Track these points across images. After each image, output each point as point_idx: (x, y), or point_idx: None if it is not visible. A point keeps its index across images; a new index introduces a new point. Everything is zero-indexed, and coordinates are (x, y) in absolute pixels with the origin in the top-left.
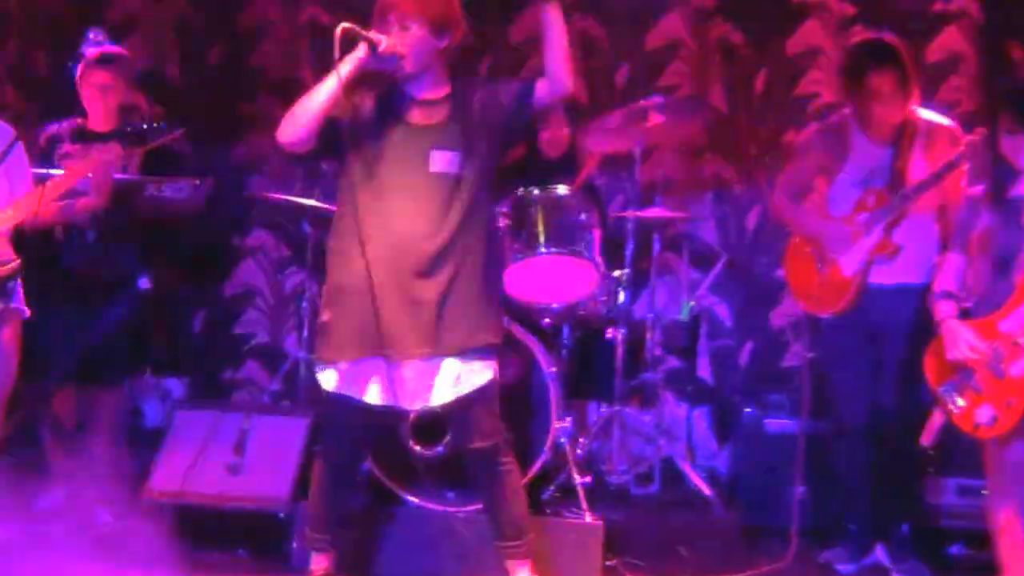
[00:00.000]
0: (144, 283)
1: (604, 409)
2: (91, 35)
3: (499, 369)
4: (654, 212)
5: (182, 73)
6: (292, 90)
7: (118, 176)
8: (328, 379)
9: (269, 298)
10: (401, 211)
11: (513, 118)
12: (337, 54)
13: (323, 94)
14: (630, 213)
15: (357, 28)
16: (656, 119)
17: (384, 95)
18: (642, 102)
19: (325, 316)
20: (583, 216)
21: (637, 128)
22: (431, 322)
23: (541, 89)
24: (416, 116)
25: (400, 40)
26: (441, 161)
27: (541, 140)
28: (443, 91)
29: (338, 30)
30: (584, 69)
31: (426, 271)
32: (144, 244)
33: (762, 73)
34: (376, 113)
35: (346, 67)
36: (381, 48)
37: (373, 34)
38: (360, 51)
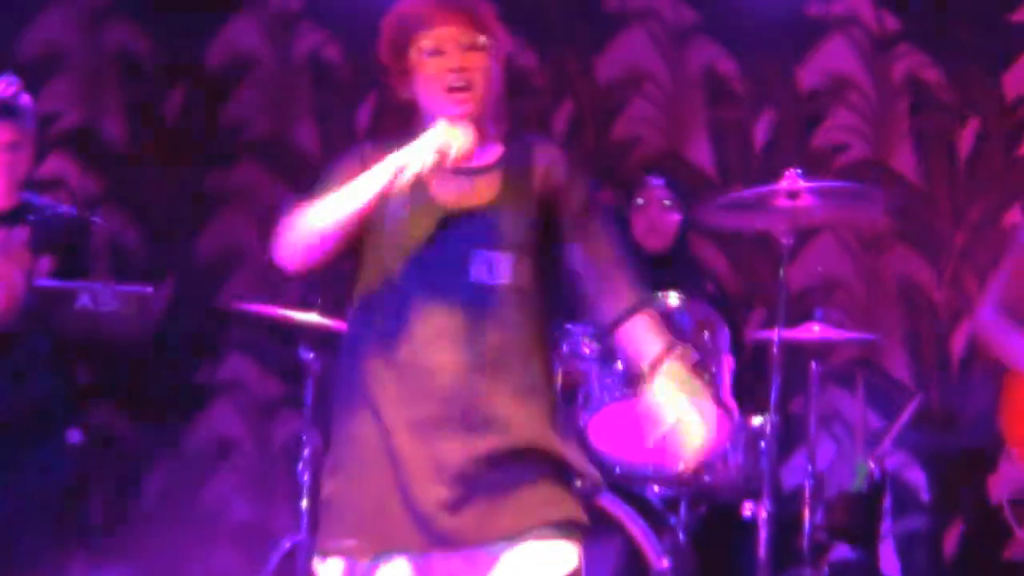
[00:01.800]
0: (74, 435)
1: None
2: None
3: (584, 561)
4: (812, 331)
5: (127, 131)
6: (282, 155)
7: (33, 284)
8: None
9: (250, 454)
10: (431, 337)
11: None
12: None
13: (364, 196)
14: (776, 333)
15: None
16: (814, 195)
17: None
18: (792, 170)
19: (328, 488)
20: (705, 338)
21: (785, 208)
22: (479, 496)
23: (575, 260)
24: (450, 192)
25: (464, 63)
26: (488, 265)
27: (636, 228)
28: (493, 153)
29: (438, 124)
30: (709, 119)
31: (470, 424)
32: (73, 379)
33: (970, 126)
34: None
35: (418, 161)
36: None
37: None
38: (455, 141)
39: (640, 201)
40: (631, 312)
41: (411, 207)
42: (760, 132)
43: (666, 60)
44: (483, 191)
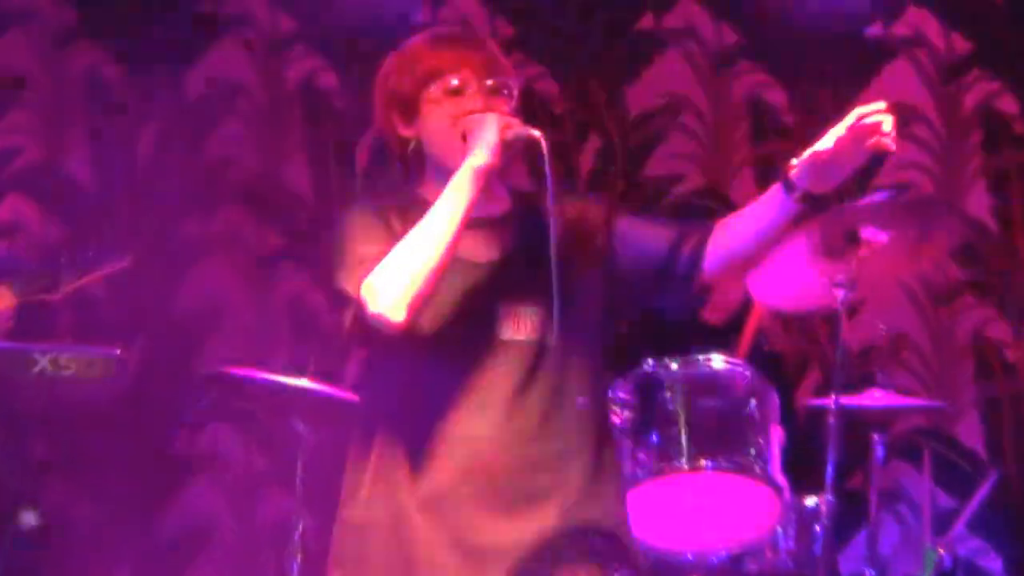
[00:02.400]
0: (30, 518)
1: None
2: None
3: None
4: (873, 398)
5: (95, 169)
6: (270, 197)
7: None
8: None
9: (233, 538)
10: (458, 405)
11: (650, 280)
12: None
13: (456, 215)
14: (832, 399)
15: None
16: (874, 239)
17: (404, 209)
18: (848, 210)
19: None
20: (752, 405)
21: (841, 256)
22: None
23: (714, 261)
24: (467, 244)
25: (488, 107)
26: (518, 321)
27: None
28: (503, 203)
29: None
30: (756, 156)
31: (501, 505)
32: (28, 453)
33: None
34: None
35: (489, 154)
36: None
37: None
38: (514, 126)
39: None
40: (703, 244)
41: None
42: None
43: (706, 88)
44: (499, 243)
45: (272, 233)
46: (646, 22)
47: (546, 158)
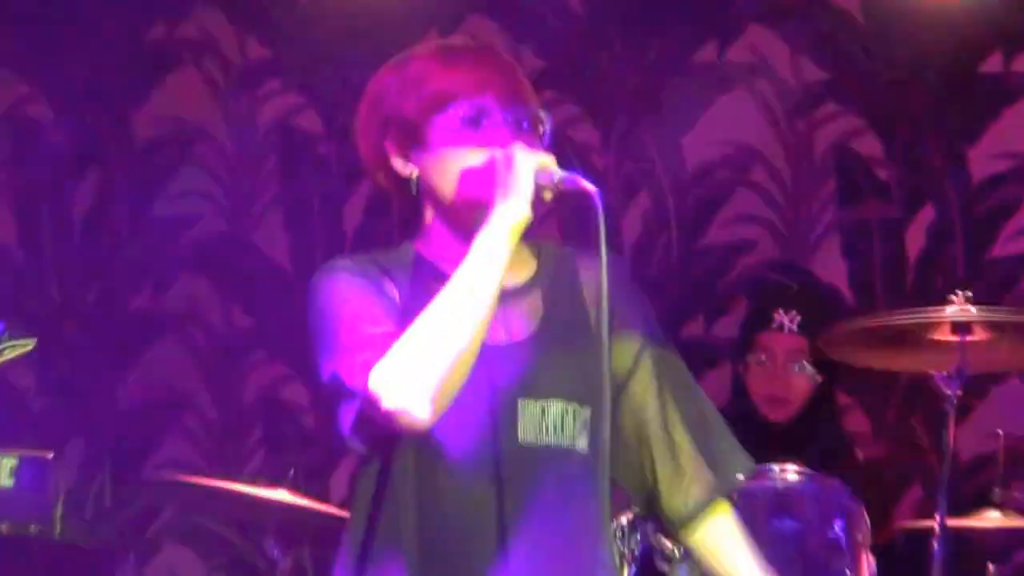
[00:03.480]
0: None
1: None
2: None
3: None
4: (988, 520)
5: (19, 232)
6: (238, 264)
7: None
8: None
9: None
10: (468, 518)
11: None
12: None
13: (490, 282)
14: (937, 521)
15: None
16: (991, 328)
17: (400, 271)
18: (961, 293)
19: None
20: (836, 529)
21: (951, 345)
22: None
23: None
24: (506, 319)
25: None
26: (541, 420)
27: (754, 395)
28: (527, 269)
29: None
30: (843, 219)
31: None
32: None
33: None
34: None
35: (523, 205)
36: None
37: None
38: (547, 163)
39: (761, 357)
40: (705, 505)
41: None
42: (915, 237)
43: (781, 136)
44: (521, 320)
45: (239, 311)
46: (707, 54)
47: (600, 218)
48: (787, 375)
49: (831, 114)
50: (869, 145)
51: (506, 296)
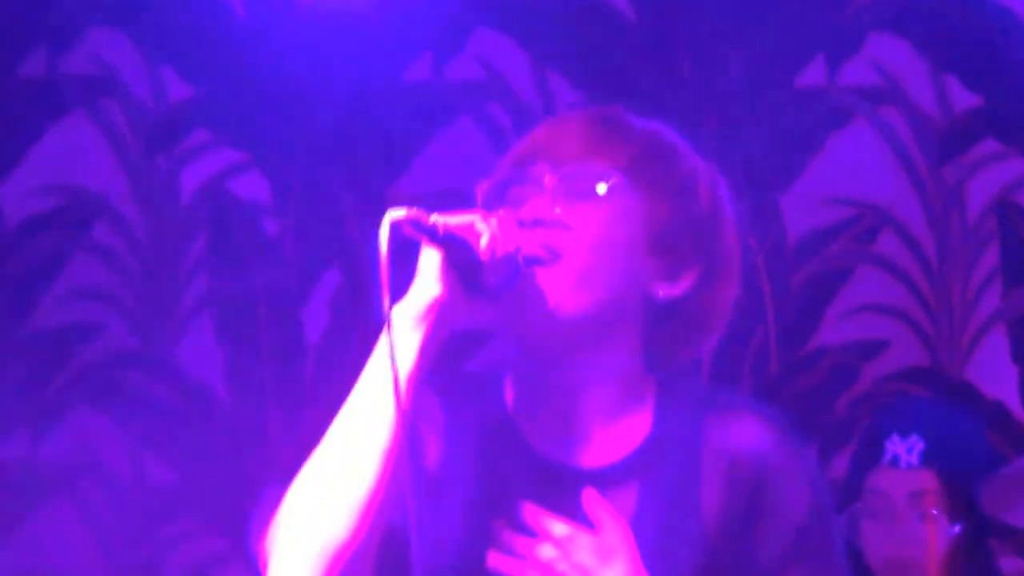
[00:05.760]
0: None
1: None
2: None
3: None
4: None
5: None
6: (158, 388)
7: None
8: None
9: None
10: None
11: None
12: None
13: (367, 426)
14: None
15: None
16: None
17: (489, 440)
18: None
19: None
20: None
21: None
22: None
23: None
24: (547, 508)
25: (552, 214)
26: None
27: (870, 559)
28: (624, 433)
29: (385, 223)
30: (1009, 308)
31: None
32: None
33: None
34: (476, 495)
35: (408, 333)
36: (483, 248)
37: (453, 218)
38: (431, 265)
39: (873, 505)
40: None
41: (482, 531)
42: None
43: (920, 189)
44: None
45: (155, 461)
46: (813, 75)
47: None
48: (910, 528)
49: (990, 155)
50: None
51: (589, 477)
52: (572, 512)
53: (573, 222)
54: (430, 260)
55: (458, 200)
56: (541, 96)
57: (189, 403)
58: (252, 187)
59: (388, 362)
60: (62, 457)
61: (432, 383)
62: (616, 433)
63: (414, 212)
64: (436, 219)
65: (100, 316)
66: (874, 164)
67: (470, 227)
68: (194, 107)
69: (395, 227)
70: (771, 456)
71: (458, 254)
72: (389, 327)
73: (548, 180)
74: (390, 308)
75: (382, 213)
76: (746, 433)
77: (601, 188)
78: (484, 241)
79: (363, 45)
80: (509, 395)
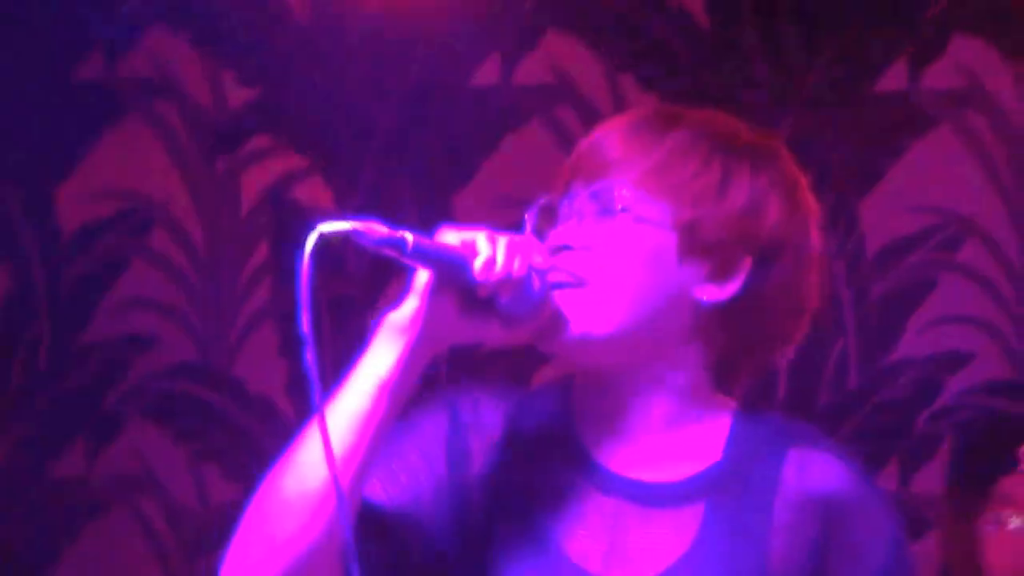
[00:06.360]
0: None
1: None
2: None
3: None
4: None
5: None
6: (220, 411)
7: None
8: None
9: None
10: None
11: None
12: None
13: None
14: None
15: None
16: None
17: (550, 449)
18: None
19: None
20: None
21: None
22: None
23: None
24: (599, 541)
25: (573, 237)
26: None
27: (991, 559)
28: (688, 455)
29: (312, 236)
30: None
31: None
32: None
33: None
34: (529, 503)
35: (386, 347)
36: (477, 268)
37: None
38: (419, 278)
39: (1008, 516)
40: None
41: (525, 567)
42: None
43: (1007, 196)
44: (652, 545)
45: (216, 476)
46: (894, 78)
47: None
48: None
49: None
50: None
51: (638, 495)
52: (628, 525)
53: (596, 243)
54: (420, 273)
55: (521, 207)
56: (612, 99)
57: (250, 417)
58: (315, 193)
59: (316, 386)
60: (119, 472)
61: (501, 396)
62: (682, 451)
63: (351, 225)
64: (407, 235)
65: (157, 327)
66: (959, 171)
67: (470, 245)
68: (255, 111)
69: (323, 240)
70: (853, 498)
71: (444, 271)
72: (310, 347)
73: (578, 201)
74: (310, 326)
75: (447, 220)
76: (828, 473)
77: (618, 203)
78: (480, 261)
79: (429, 48)
80: (575, 406)
